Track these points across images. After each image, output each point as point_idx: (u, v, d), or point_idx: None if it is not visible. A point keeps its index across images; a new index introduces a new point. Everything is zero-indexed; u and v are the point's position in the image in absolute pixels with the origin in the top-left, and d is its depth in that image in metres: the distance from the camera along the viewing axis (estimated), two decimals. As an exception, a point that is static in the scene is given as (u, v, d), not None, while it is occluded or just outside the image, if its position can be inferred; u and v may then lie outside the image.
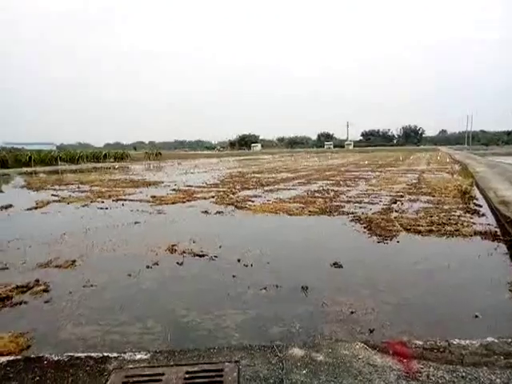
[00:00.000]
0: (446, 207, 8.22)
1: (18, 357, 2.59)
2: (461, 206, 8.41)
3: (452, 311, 3.42)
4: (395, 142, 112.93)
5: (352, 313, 3.36)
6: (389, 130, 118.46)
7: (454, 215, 7.36)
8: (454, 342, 2.55)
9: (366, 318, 3.26)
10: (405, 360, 2.35)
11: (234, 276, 4.31)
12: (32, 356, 2.59)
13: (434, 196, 9.92)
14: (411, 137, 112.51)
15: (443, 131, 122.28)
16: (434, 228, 6.32)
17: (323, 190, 11.80)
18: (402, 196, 10.09)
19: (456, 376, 2.19)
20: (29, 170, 27.88)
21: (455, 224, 6.58)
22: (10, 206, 10.00)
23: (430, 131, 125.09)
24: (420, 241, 5.77)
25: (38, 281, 4.23)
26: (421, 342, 2.57)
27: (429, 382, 2.13)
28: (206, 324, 3.23)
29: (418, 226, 6.50)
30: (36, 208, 9.62)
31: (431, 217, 7.20)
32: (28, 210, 9.44)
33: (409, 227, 6.43)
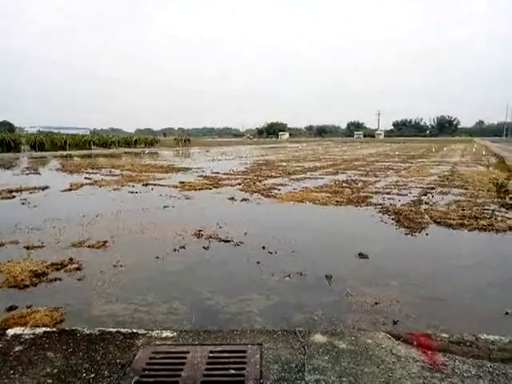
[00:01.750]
0: (479, 201, 7.93)
1: (54, 329, 2.74)
2: (495, 200, 8.08)
3: (482, 308, 3.33)
4: (428, 132, 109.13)
5: (376, 303, 3.33)
6: (421, 119, 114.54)
7: (487, 209, 7.09)
8: (482, 337, 2.49)
9: (391, 310, 3.22)
10: (429, 352, 2.32)
11: (258, 262, 4.35)
12: (66, 328, 2.74)
13: (466, 189, 9.58)
14: (445, 127, 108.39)
15: (480, 122, 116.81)
16: (465, 221, 6.12)
17: (351, 180, 11.63)
18: (432, 188, 9.81)
19: (483, 371, 2.14)
20: (64, 153, 28.93)
21: (489, 218, 6.34)
22: (47, 187, 10.45)
23: (466, 122, 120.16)
24: (450, 234, 5.61)
25: (71, 259, 4.44)
26: (447, 335, 2.53)
27: (454, 376, 2.10)
28: (230, 307, 3.29)
29: (449, 218, 6.31)
30: (70, 190, 10.01)
31: (463, 210, 6.97)
32: (63, 191, 9.84)
33: (439, 220, 6.26)
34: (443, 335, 2.55)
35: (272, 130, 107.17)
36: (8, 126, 64.50)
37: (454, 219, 6.29)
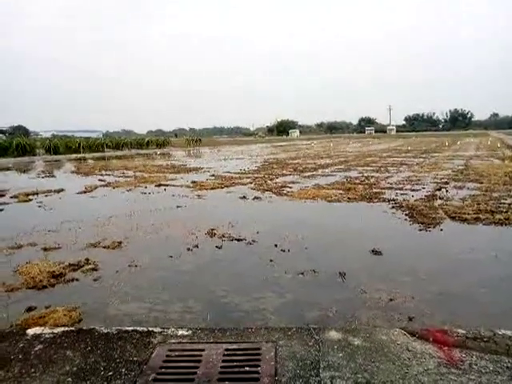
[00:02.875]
0: (495, 195, 7.79)
1: (72, 328, 2.80)
2: (512, 193, 7.93)
3: (498, 302, 3.28)
4: (441, 126, 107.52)
5: (391, 300, 3.31)
6: (434, 113, 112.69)
7: (504, 203, 6.96)
8: (500, 333, 2.46)
9: (406, 306, 3.20)
10: (446, 348, 2.30)
11: (271, 260, 4.36)
12: (84, 328, 2.79)
13: (482, 183, 9.42)
14: (459, 121, 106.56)
15: (495, 115, 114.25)
16: (481, 216, 6.02)
17: (363, 176, 11.54)
18: (446, 183, 9.67)
19: (501, 366, 2.12)
20: (78, 156, 29.39)
21: (505, 212, 6.22)
22: (62, 190, 10.64)
23: (480, 115, 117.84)
24: (466, 229, 5.53)
25: (87, 260, 4.51)
26: (463, 331, 2.50)
27: (471, 371, 2.08)
28: (244, 305, 3.31)
29: (464, 213, 6.22)
30: (85, 192, 10.17)
31: (479, 204, 6.86)
32: (78, 193, 10.00)
33: (454, 215, 6.17)
34: (460, 331, 2.52)
35: (282, 128, 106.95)
36: (23, 131, 65.90)
37: (469, 214, 6.19)
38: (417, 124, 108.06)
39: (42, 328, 2.77)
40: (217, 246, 4.95)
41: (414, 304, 3.23)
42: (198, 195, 9.03)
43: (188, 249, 4.86)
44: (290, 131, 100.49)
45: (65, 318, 3.10)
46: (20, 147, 28.60)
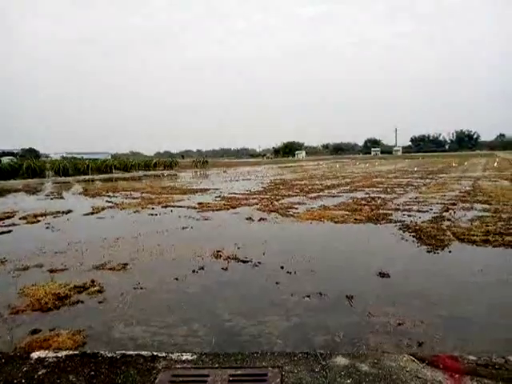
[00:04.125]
0: (504, 216, 7.70)
1: (76, 352, 2.77)
2: (521, 214, 7.83)
3: (509, 329, 3.19)
4: (447, 147, 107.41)
5: (399, 324, 3.24)
6: (440, 134, 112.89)
7: (513, 225, 6.87)
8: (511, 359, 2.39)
9: (415, 331, 3.13)
10: (456, 375, 2.24)
11: (277, 283, 4.32)
12: (88, 352, 2.77)
13: (490, 204, 9.33)
14: (465, 142, 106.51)
15: (501, 135, 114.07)
16: (490, 238, 5.94)
17: (370, 197, 11.50)
18: (454, 204, 9.60)
19: (514, 396, 2.05)
20: (86, 177, 29.76)
21: (515, 234, 6.14)
22: (70, 211, 10.74)
23: (486, 136, 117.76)
24: (475, 251, 5.45)
25: (93, 282, 4.51)
26: (474, 358, 2.43)
27: (483, 400, 2.02)
28: (250, 329, 3.26)
29: (473, 235, 6.14)
30: (92, 213, 10.24)
31: (487, 226, 6.78)
32: (85, 215, 10.08)
33: (462, 236, 6.10)
34: (470, 357, 2.46)
35: (288, 149, 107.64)
36: (33, 153, 67.13)
37: (477, 235, 6.11)
38: (423, 145, 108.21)
39: (46, 352, 2.75)
40: (222, 268, 4.92)
41: (423, 329, 3.16)
42: (204, 216, 9.05)
43: (193, 271, 4.84)
44: (296, 152, 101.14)
45: (69, 341, 3.07)
46: (30, 169, 29.09)
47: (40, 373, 2.45)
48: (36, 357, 2.66)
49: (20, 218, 9.62)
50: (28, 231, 8.21)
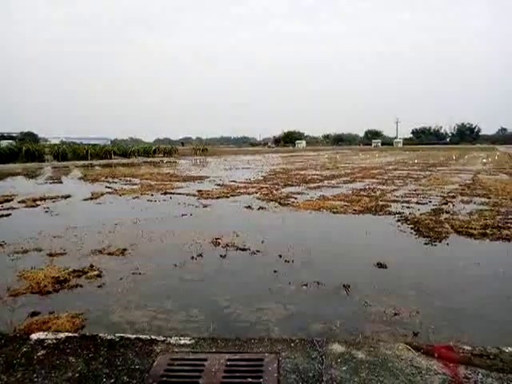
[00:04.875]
0: (502, 210, 7.73)
1: (75, 334, 2.80)
2: (520, 209, 7.86)
3: (506, 320, 3.23)
4: (448, 140, 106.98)
5: (395, 314, 3.28)
6: (441, 127, 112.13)
7: (511, 219, 6.90)
8: (506, 350, 2.42)
9: (411, 321, 3.16)
10: (451, 364, 2.27)
11: (275, 271, 4.35)
12: (87, 334, 2.80)
13: (489, 198, 9.35)
14: (466, 135, 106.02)
15: (503, 129, 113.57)
16: (488, 231, 5.97)
17: (369, 188, 11.51)
18: (453, 197, 9.61)
19: (507, 385, 2.08)
20: (85, 162, 29.68)
21: (513, 228, 6.16)
22: (69, 196, 10.74)
23: (488, 129, 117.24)
24: (472, 244, 5.48)
25: (92, 266, 4.53)
26: (469, 348, 2.46)
27: (476, 389, 2.05)
28: (247, 316, 3.29)
29: (471, 228, 6.17)
30: (91, 199, 10.24)
31: (486, 219, 6.80)
32: (84, 200, 10.08)
33: (460, 229, 6.13)
34: (465, 347, 2.49)
35: (289, 139, 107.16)
36: (32, 137, 66.79)
37: (476, 229, 6.14)
38: (424, 137, 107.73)
39: (46, 333, 2.77)
40: (221, 255, 4.95)
41: (419, 319, 3.19)
42: (204, 204, 9.05)
43: (192, 257, 4.86)
44: (297, 142, 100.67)
45: (68, 324, 3.10)
46: (29, 153, 29.01)
47: (39, 353, 2.47)
48: (35, 338, 2.69)
49: (19, 202, 9.61)
50: (27, 215, 8.21)
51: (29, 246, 5.45)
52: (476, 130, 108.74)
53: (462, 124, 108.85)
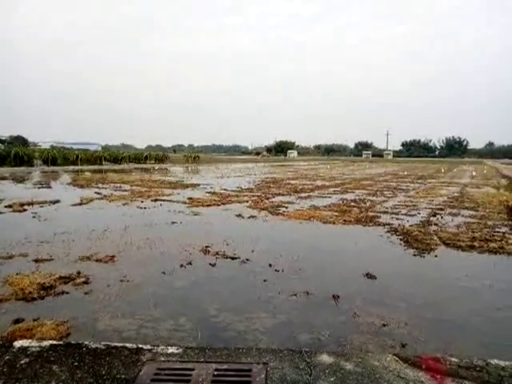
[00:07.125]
0: (489, 223, 7.84)
1: (60, 342, 2.74)
2: (506, 222, 7.98)
3: (493, 332, 3.26)
4: (437, 153, 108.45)
5: (384, 325, 3.28)
6: (430, 140, 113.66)
7: (498, 232, 7.00)
8: (493, 362, 2.44)
9: (399, 332, 3.17)
10: (438, 376, 2.28)
11: (265, 280, 4.33)
12: (72, 342, 2.74)
13: (477, 211, 9.49)
14: (454, 149, 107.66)
15: (490, 144, 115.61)
16: (475, 244, 6.04)
17: (359, 199, 11.59)
18: (442, 209, 9.73)
19: (493, 397, 2.09)
20: (75, 168, 29.38)
21: (499, 241, 6.25)
22: (58, 201, 10.60)
23: (476, 143, 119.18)
24: (460, 256, 5.53)
25: (79, 273, 4.46)
26: (456, 360, 2.47)
27: (463, 401, 2.05)
28: (236, 325, 3.27)
29: (459, 240, 6.24)
30: (80, 204, 10.13)
31: (473, 232, 6.89)
32: (73, 205, 9.96)
33: (448, 241, 6.19)
34: (452, 359, 2.50)
35: (280, 149, 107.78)
36: (22, 141, 65.94)
37: (463, 241, 6.21)
38: (413, 149, 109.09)
39: (30, 341, 2.71)
40: (211, 264, 4.92)
41: (407, 330, 3.20)
42: (194, 212, 9.01)
43: (181, 265, 4.82)
44: (288, 152, 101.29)
45: (53, 331, 3.04)
46: (18, 157, 28.64)
47: (22, 362, 2.41)
48: (19, 346, 2.63)
49: (6, 206, 9.46)
50: (14, 220, 8.08)
51: (14, 251, 5.36)
52: (464, 143, 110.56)
53: (452, 138, 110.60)
